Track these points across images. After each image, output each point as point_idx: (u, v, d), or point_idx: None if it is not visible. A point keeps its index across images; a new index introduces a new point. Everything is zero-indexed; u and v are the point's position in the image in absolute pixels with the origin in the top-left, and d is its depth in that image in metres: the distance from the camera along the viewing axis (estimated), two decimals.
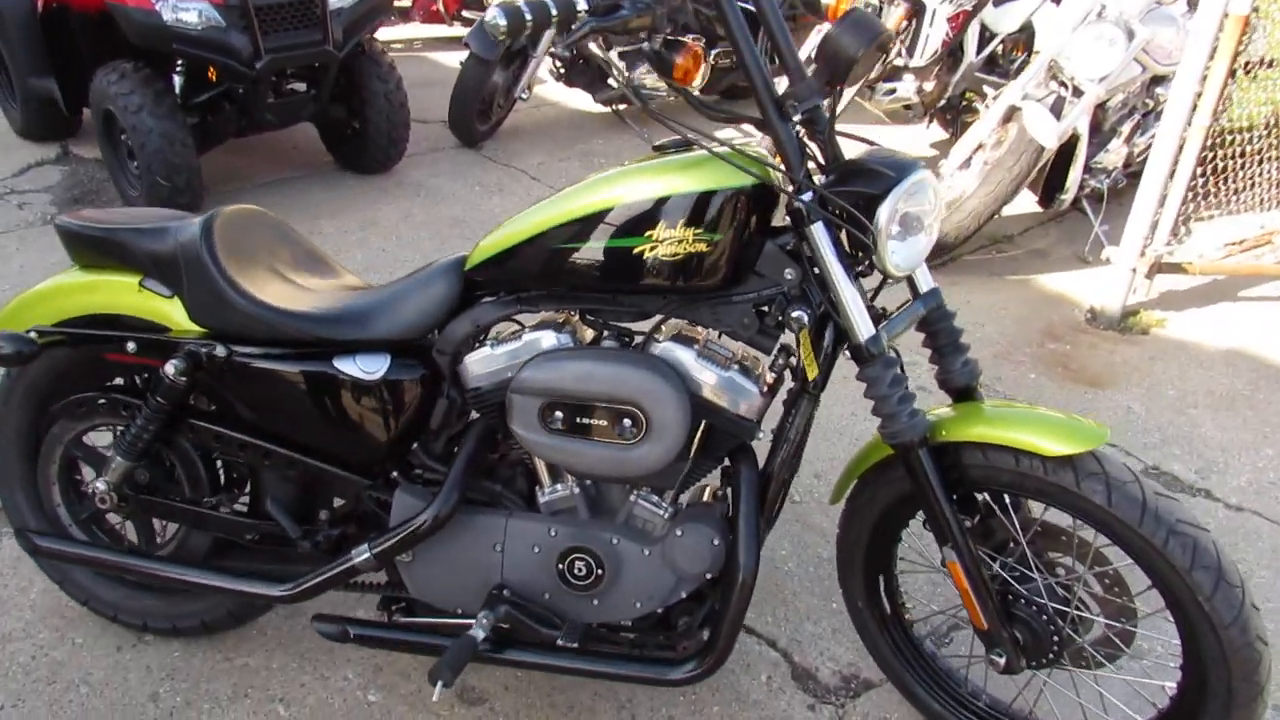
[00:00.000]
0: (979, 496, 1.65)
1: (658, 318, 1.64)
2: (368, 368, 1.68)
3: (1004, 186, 3.58)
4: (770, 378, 1.64)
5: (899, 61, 4.46)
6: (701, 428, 1.62)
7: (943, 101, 4.72)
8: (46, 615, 2.08)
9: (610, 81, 5.06)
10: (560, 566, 1.69)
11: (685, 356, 1.60)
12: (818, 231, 1.49)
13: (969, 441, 1.57)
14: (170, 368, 1.68)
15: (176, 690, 1.93)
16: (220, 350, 1.70)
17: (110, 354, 1.78)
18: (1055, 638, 1.63)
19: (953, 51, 4.57)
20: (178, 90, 3.86)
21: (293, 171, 4.65)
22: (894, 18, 4.22)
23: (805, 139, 1.54)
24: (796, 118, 1.52)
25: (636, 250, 1.53)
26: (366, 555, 1.71)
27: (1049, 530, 1.66)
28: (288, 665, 1.99)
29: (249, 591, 1.78)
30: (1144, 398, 3.06)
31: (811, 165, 1.55)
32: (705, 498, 1.79)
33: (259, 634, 2.06)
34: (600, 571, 1.68)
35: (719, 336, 1.68)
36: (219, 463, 1.89)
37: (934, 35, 4.22)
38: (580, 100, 5.48)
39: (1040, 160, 3.61)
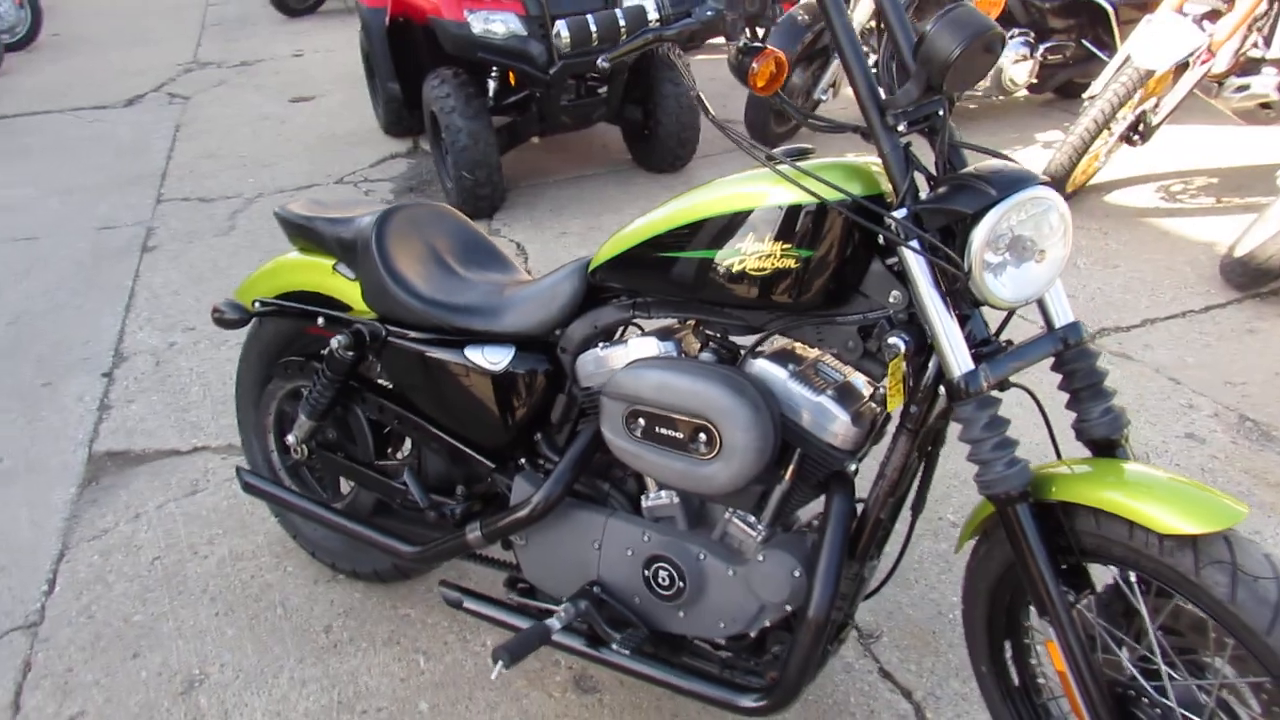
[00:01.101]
0: (1094, 569, 1.42)
1: (763, 334, 1.58)
2: (493, 358, 1.79)
3: None
4: (875, 407, 1.52)
5: (1254, 53, 3.81)
6: (796, 453, 1.54)
7: None
8: (273, 542, 2.44)
9: None
10: (646, 573, 1.69)
11: (777, 376, 1.53)
12: (910, 253, 1.36)
13: (1079, 504, 1.35)
14: (336, 342, 1.91)
15: (346, 627, 2.19)
16: (378, 330, 1.89)
17: (308, 327, 2.05)
18: None
19: None
20: (490, 95, 4.26)
21: (593, 169, 4.95)
22: (1248, 2, 3.61)
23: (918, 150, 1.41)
24: (901, 126, 1.39)
25: (726, 263, 1.49)
26: (477, 532, 1.83)
27: (1198, 623, 1.38)
28: (440, 623, 2.18)
29: (385, 544, 1.98)
30: None
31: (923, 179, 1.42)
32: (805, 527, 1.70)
33: (427, 591, 2.27)
34: (682, 584, 1.66)
35: (828, 358, 1.59)
36: (386, 431, 2.10)
37: None
38: None
39: None
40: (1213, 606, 1.23)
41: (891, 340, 1.42)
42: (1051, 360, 1.48)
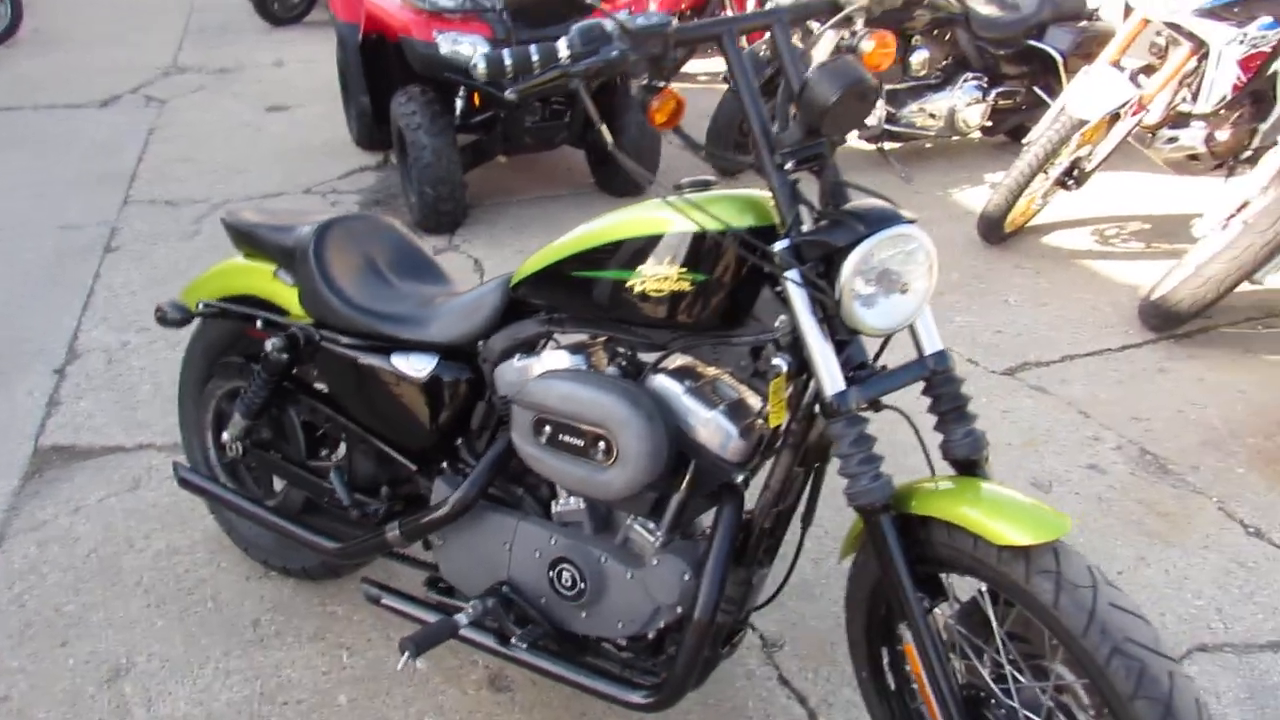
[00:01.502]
0: (950, 579, 1.54)
1: (665, 352, 1.70)
2: (417, 365, 1.89)
3: (1252, 253, 3.11)
4: (763, 423, 1.63)
5: (1184, 107, 4.00)
6: (691, 463, 1.65)
7: (1248, 152, 4.15)
8: (209, 538, 2.52)
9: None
10: (551, 574, 1.80)
11: (674, 391, 1.64)
12: (789, 282, 1.48)
13: (935, 517, 1.47)
14: (270, 344, 2.00)
15: (274, 621, 2.27)
16: (311, 334, 1.99)
17: (247, 329, 2.14)
18: None
19: (1259, 97, 4.02)
20: (457, 113, 4.38)
21: (556, 190, 5.07)
22: (1177, 59, 3.80)
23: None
24: (788, 165, 1.51)
25: (629, 284, 1.60)
26: (396, 530, 1.93)
27: (1041, 629, 1.50)
28: (364, 620, 2.27)
29: (310, 541, 2.07)
30: None
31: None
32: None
33: (354, 589, 2.34)
34: (584, 585, 1.76)
35: (726, 376, 1.71)
36: (319, 433, 2.20)
37: (1221, 79, 3.73)
38: (853, 136, 5.43)
39: None
40: (1041, 612, 1.35)
41: (775, 361, 1.54)
42: (922, 385, 1.59)
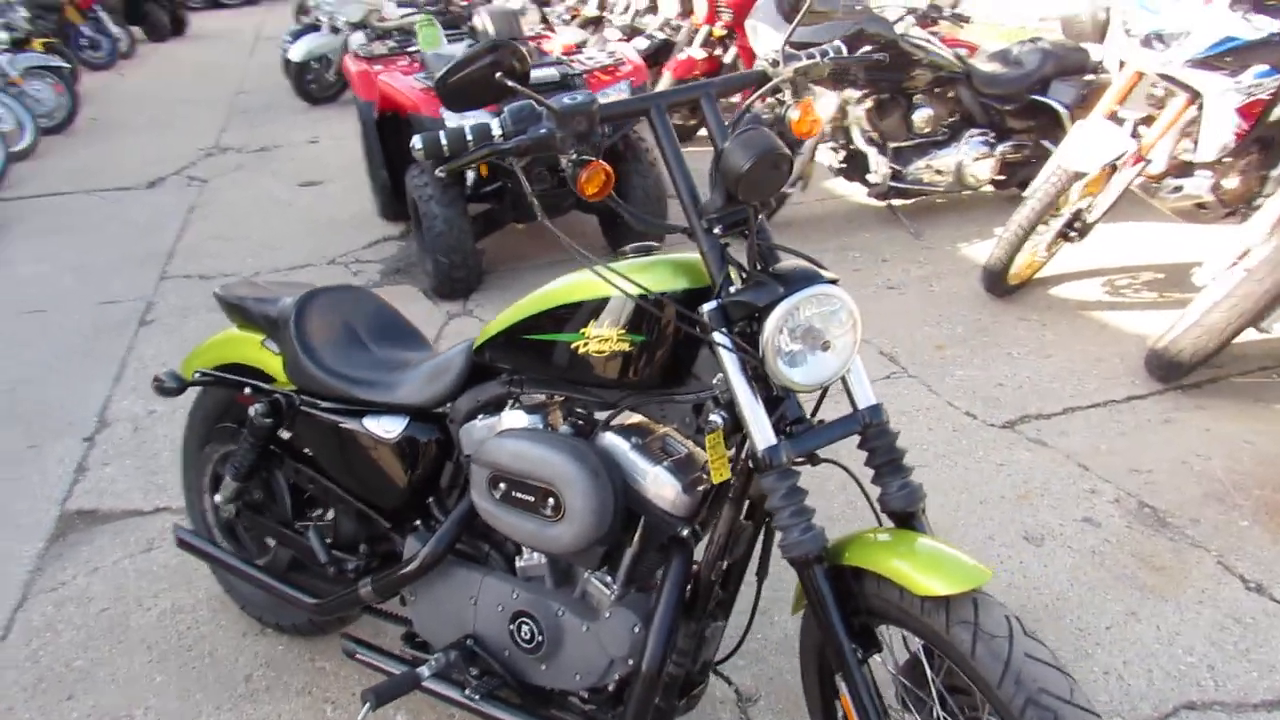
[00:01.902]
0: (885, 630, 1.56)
1: (615, 410, 1.76)
2: (389, 427, 1.98)
3: (1252, 301, 3.10)
4: (708, 478, 1.68)
5: (1186, 156, 4.01)
6: (641, 519, 1.71)
7: (1260, 200, 4.14)
8: (212, 598, 2.61)
9: (869, 178, 5.07)
10: (511, 627, 1.85)
11: (621, 448, 1.70)
12: (719, 340, 1.54)
13: (864, 568, 1.50)
14: (254, 410, 2.11)
15: (265, 676, 2.35)
16: (293, 400, 2.09)
17: (238, 395, 2.26)
18: None
19: (1267, 143, 4.02)
20: (468, 185, 4.55)
21: (569, 255, 5.19)
22: (1173, 109, 3.82)
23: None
24: (716, 229, 1.59)
25: (574, 345, 1.67)
26: (369, 586, 2.00)
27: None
28: (350, 675, 2.33)
29: (292, 597, 2.15)
30: None
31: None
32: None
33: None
34: (541, 638, 1.81)
35: (675, 433, 1.76)
36: (306, 495, 2.29)
37: (1220, 128, 3.74)
38: (860, 194, 5.50)
39: None
40: (960, 662, 1.37)
41: (712, 417, 1.59)
42: (858, 439, 1.63)
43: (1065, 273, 4.43)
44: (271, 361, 2.19)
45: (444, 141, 1.58)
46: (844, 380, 1.62)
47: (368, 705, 1.78)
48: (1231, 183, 4.04)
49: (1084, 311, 4.09)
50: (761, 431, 1.52)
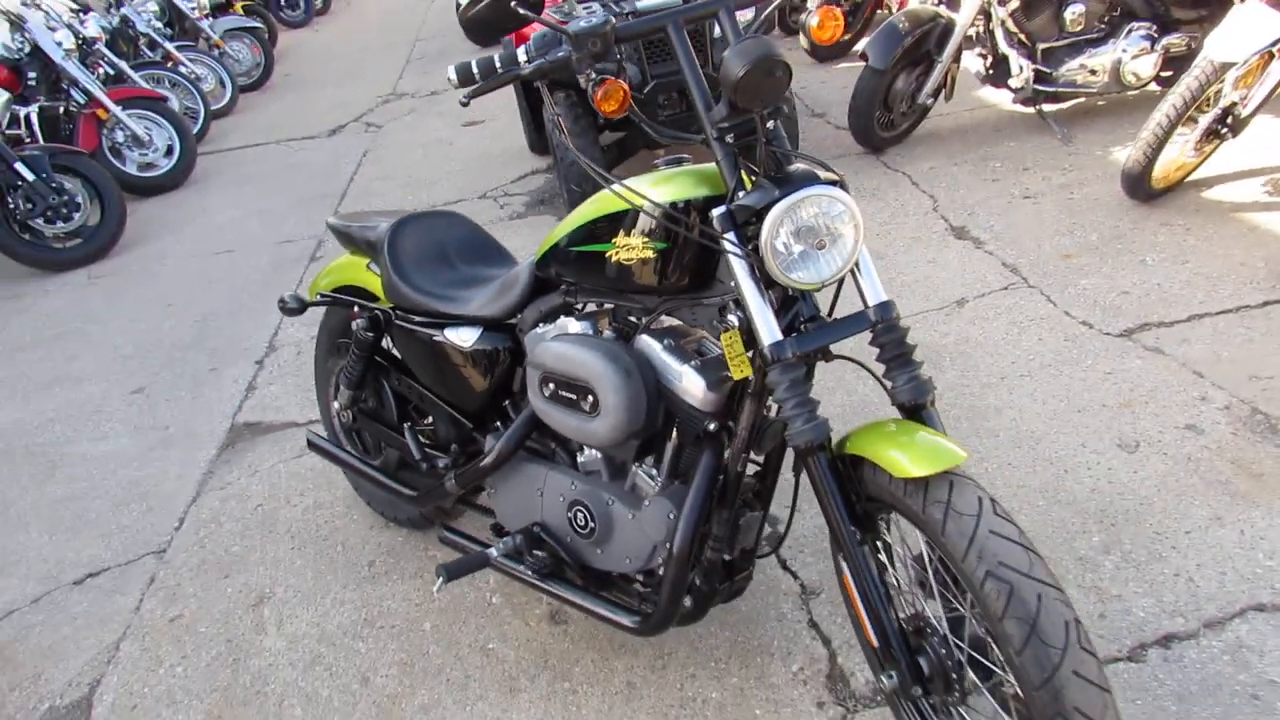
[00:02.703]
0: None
1: (652, 314, 1.89)
2: (465, 337, 2.19)
3: None
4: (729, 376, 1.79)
5: None
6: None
7: None
8: (347, 496, 2.96)
9: (1010, 83, 4.84)
10: (569, 514, 2.04)
11: (653, 349, 1.84)
12: (726, 243, 1.63)
13: (860, 455, 1.57)
14: (356, 325, 2.37)
15: (385, 562, 2.66)
16: (389, 315, 2.34)
17: (350, 314, 2.53)
18: (953, 674, 1.55)
19: None
20: (601, 116, 4.69)
21: None
22: None
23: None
24: (729, 138, 1.67)
25: (609, 254, 1.81)
26: (452, 479, 2.24)
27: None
28: (424, 563, 2.60)
29: (393, 489, 2.43)
30: None
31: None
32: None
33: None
34: (594, 524, 1.99)
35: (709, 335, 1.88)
36: (412, 404, 2.55)
37: None
38: (1009, 101, 5.25)
39: None
40: (935, 538, 1.44)
41: (729, 317, 1.70)
42: (868, 334, 1.69)
43: (1222, 174, 4.12)
44: (374, 282, 2.44)
45: (476, 69, 1.74)
46: (855, 278, 1.68)
47: (441, 578, 2.02)
48: None
49: (1235, 214, 3.81)
50: (768, 328, 1.61)
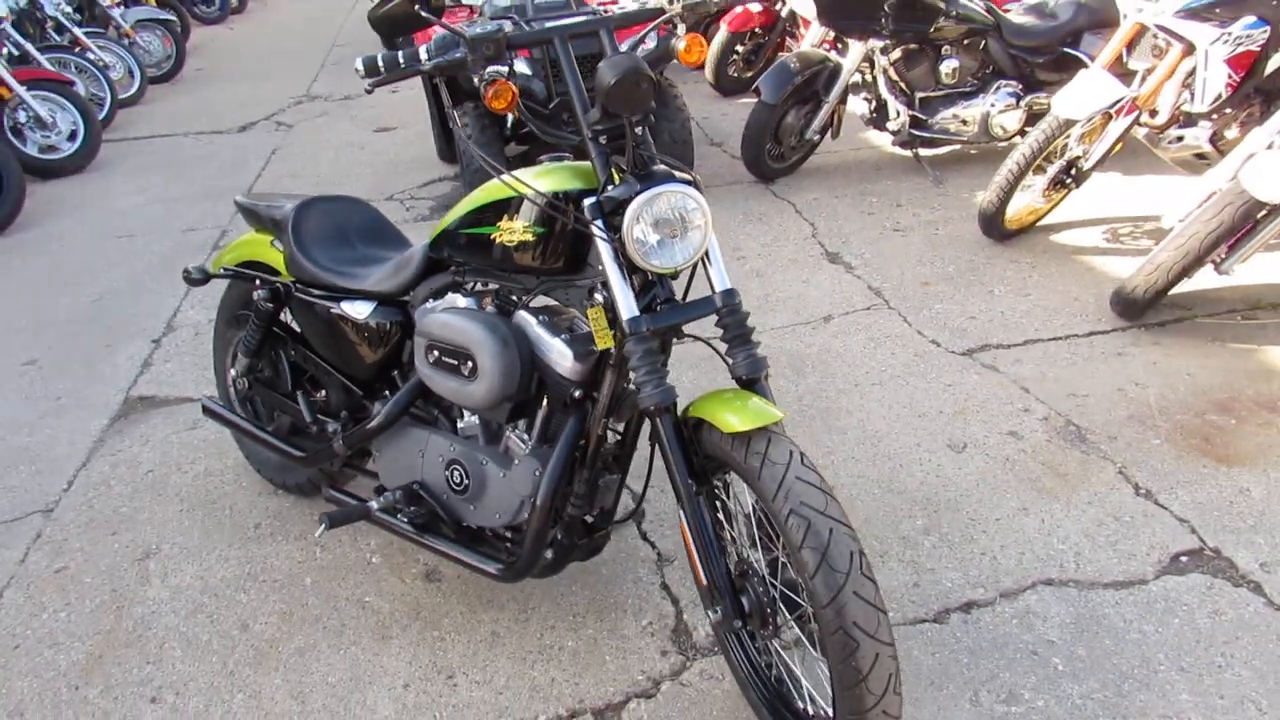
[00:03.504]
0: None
1: (531, 294, 2.11)
2: (360, 310, 2.37)
3: (1197, 242, 3.24)
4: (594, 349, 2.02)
5: (1188, 107, 4.10)
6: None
7: None
8: (238, 465, 3.08)
9: (888, 125, 5.26)
10: (446, 473, 2.23)
11: (529, 322, 2.06)
12: (595, 230, 1.87)
13: (698, 417, 1.82)
14: (257, 295, 2.54)
15: (271, 525, 2.80)
16: (289, 287, 2.51)
17: (251, 287, 2.69)
18: (769, 609, 1.80)
19: (1271, 95, 4.09)
20: (507, 126, 4.92)
21: None
22: (1169, 60, 3.93)
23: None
24: (602, 139, 1.91)
25: (493, 237, 2.03)
26: (340, 440, 2.41)
27: None
28: (340, 530, 2.76)
29: (284, 450, 2.59)
30: (1270, 483, 2.67)
31: None
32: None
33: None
34: (468, 482, 2.19)
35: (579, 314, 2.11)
36: (307, 375, 2.71)
37: (1212, 79, 3.85)
38: (885, 141, 5.67)
39: (1253, 218, 3.20)
40: (752, 483, 1.69)
41: (596, 296, 1.93)
42: (715, 317, 1.94)
43: (1069, 220, 4.57)
44: (277, 257, 2.61)
45: (381, 62, 1.95)
46: (705, 267, 1.93)
47: (323, 525, 2.19)
48: (1232, 133, 4.13)
49: (1076, 256, 4.24)
50: (627, 305, 1.84)
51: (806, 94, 5.22)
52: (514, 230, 1.99)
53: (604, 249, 1.85)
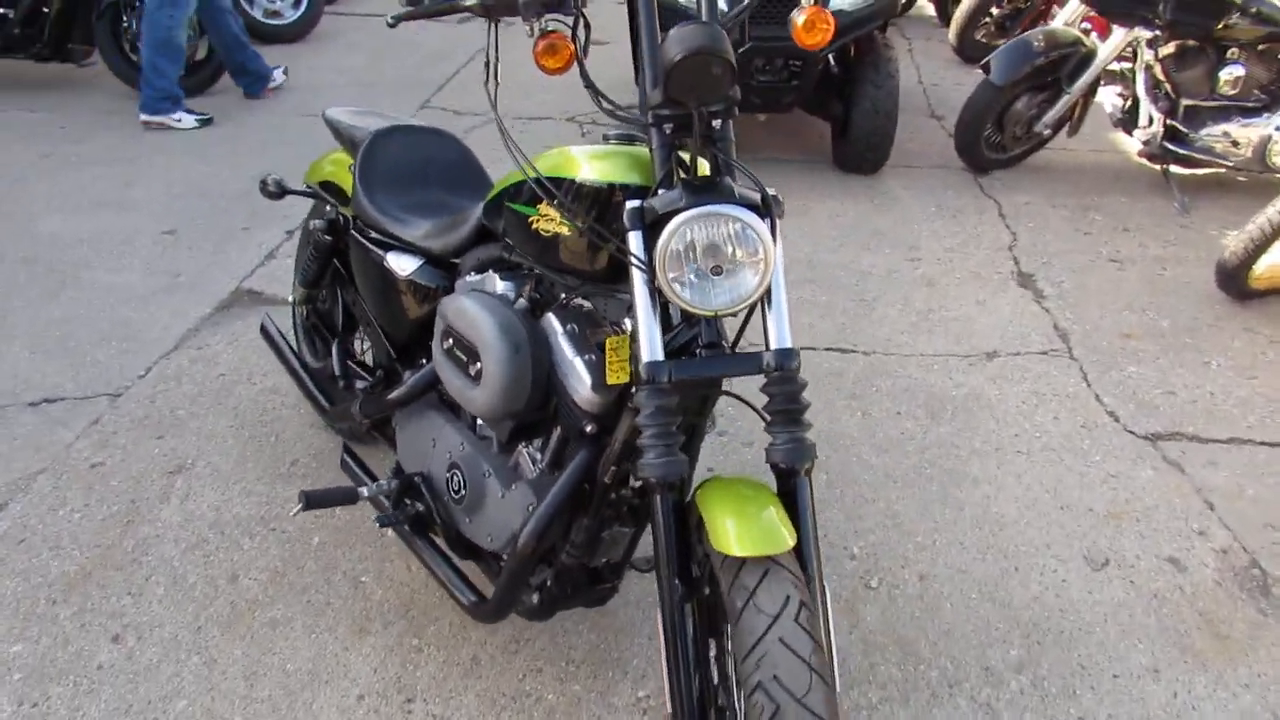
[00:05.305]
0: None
1: (570, 295, 1.75)
2: (404, 265, 2.09)
3: None
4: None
5: None
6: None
7: None
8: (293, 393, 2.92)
9: (1135, 133, 4.43)
10: (446, 474, 1.94)
11: (554, 330, 1.70)
12: (631, 240, 1.47)
13: (701, 515, 1.42)
14: (314, 224, 2.30)
15: (306, 465, 2.62)
16: (347, 222, 2.25)
17: (323, 211, 2.46)
18: None
19: None
20: None
21: (796, 156, 5.03)
22: None
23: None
24: (666, 127, 1.50)
25: (531, 220, 1.68)
26: (357, 405, 2.16)
27: None
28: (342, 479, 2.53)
29: (314, 395, 2.38)
30: None
31: None
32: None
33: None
34: (464, 492, 1.89)
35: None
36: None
37: None
38: (1133, 148, 4.81)
39: None
40: (731, 624, 1.28)
41: (626, 322, 1.55)
42: (762, 379, 1.51)
43: None
44: (351, 183, 2.36)
45: None
46: (763, 312, 1.50)
47: (300, 504, 1.96)
48: None
49: None
50: (650, 345, 1.46)
51: (1045, 79, 4.48)
52: (552, 219, 1.62)
53: (633, 270, 1.46)
